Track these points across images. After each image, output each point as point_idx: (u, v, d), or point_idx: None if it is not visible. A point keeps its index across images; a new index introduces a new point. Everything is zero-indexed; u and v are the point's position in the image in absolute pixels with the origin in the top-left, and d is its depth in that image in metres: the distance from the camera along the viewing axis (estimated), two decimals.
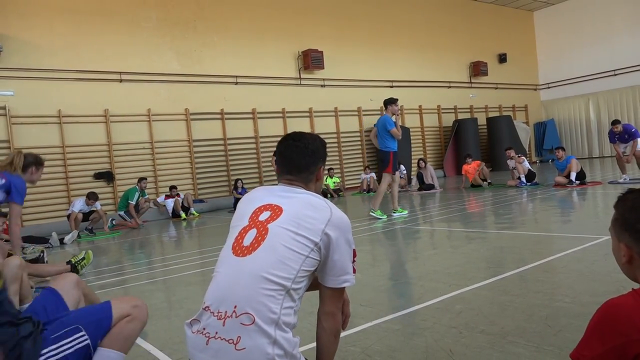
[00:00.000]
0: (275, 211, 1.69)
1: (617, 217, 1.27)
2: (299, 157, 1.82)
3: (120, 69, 11.84)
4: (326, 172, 13.84)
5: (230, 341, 1.50)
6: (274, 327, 1.50)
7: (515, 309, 2.97)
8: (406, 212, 8.18)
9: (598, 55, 20.14)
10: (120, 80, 11.88)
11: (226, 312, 1.54)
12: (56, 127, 10.97)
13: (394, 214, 8.07)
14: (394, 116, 8.09)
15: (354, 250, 1.73)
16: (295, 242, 1.60)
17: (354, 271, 1.72)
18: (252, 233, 1.67)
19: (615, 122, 10.21)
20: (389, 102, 8.14)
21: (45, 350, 1.93)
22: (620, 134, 10.08)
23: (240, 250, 1.65)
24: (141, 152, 12.12)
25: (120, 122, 11.79)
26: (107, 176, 11.49)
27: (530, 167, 11.30)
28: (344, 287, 1.71)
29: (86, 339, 1.99)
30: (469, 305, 3.11)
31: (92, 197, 9.40)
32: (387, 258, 5.15)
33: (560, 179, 10.18)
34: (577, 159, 10.55)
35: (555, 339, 2.44)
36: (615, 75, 19.89)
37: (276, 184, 1.90)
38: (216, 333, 1.53)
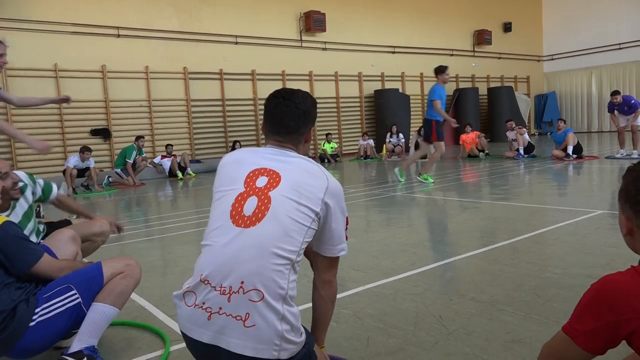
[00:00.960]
0: (273, 177, 1.59)
1: (622, 188, 1.25)
2: (289, 118, 1.69)
3: (118, 24, 11.59)
4: (324, 137, 13.80)
5: (238, 317, 1.44)
6: (281, 302, 1.47)
7: (505, 278, 3.02)
8: (432, 181, 8.03)
9: (604, 28, 19.81)
10: (118, 36, 11.65)
11: (231, 287, 1.46)
12: (52, 81, 10.81)
13: (419, 177, 8.10)
14: (445, 85, 7.97)
15: (347, 218, 1.70)
16: (299, 213, 1.54)
17: (346, 238, 1.71)
18: (253, 201, 1.55)
19: (615, 93, 10.12)
20: (438, 70, 7.99)
21: (37, 310, 1.97)
22: (620, 105, 10.01)
23: (241, 219, 1.54)
24: (138, 110, 12.01)
25: (118, 78, 11.62)
26: (103, 133, 11.42)
27: (529, 140, 11.28)
28: (339, 256, 1.71)
29: (77, 298, 2.04)
30: (461, 273, 3.17)
31: (85, 150, 9.35)
32: (381, 224, 5.20)
33: (558, 153, 10.20)
34: (575, 132, 10.54)
35: (542, 308, 2.50)
36: (621, 49, 19.63)
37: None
38: (220, 308, 1.46)
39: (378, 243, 4.17)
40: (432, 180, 8.00)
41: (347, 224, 1.70)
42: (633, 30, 19.07)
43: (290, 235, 1.51)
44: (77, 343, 2.06)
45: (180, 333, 1.61)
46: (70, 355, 2.05)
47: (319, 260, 1.72)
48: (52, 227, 2.94)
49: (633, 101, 10.02)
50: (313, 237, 1.62)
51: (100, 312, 2.08)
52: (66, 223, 3.05)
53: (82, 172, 9.50)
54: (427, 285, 2.97)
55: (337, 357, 2.07)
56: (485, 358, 2.01)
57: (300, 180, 1.59)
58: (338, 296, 2.82)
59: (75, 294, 2.05)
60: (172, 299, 1.63)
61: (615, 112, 10.14)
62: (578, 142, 10.22)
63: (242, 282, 1.45)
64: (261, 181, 1.59)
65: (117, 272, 2.17)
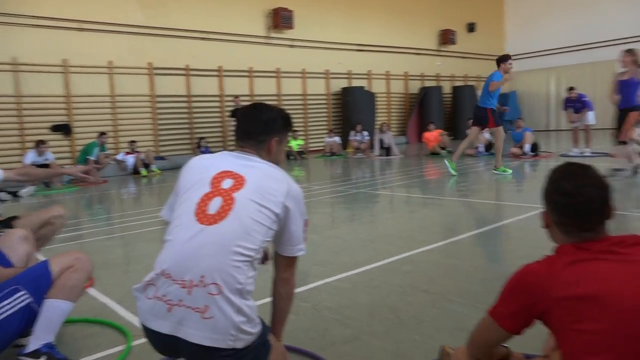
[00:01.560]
0: (238, 180, 1.69)
1: (545, 185, 1.45)
2: (249, 125, 1.85)
3: (80, 17, 11.33)
4: (291, 134, 13.83)
5: (197, 309, 1.52)
6: (238, 296, 1.55)
7: (458, 271, 3.18)
8: (510, 171, 8.06)
9: (562, 30, 20.55)
10: (80, 29, 11.38)
11: (192, 280, 1.54)
12: (10, 75, 10.50)
13: (495, 172, 8.04)
14: (506, 75, 7.93)
15: (306, 220, 1.80)
16: (260, 214, 1.64)
17: (305, 240, 1.81)
18: (218, 201, 1.65)
19: (571, 88, 10.65)
20: (501, 60, 8.02)
21: None
22: (574, 102, 10.52)
23: (205, 217, 1.62)
24: (101, 106, 11.78)
25: (80, 73, 11.36)
26: (64, 129, 11.14)
27: (489, 138, 11.63)
28: (297, 255, 1.80)
29: (27, 297, 2.07)
30: (416, 267, 3.31)
31: (40, 143, 9.16)
32: (344, 221, 5.32)
33: (515, 150, 10.59)
34: (534, 131, 10.97)
35: (488, 298, 2.62)
36: (578, 50, 20.39)
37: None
38: (180, 301, 1.54)
39: (339, 239, 4.28)
40: (510, 171, 8.03)
41: (305, 226, 1.80)
42: (589, 33, 19.84)
43: (250, 234, 1.61)
44: (35, 341, 2.09)
45: (140, 326, 1.67)
46: (28, 355, 2.07)
47: (279, 259, 1.81)
48: (1, 224, 2.91)
49: (585, 99, 10.55)
50: (273, 238, 1.72)
51: (53, 308, 2.11)
52: (15, 219, 3.03)
53: (41, 167, 9.28)
54: (383, 278, 3.09)
55: (294, 347, 2.17)
56: (432, 344, 2.14)
57: (263, 184, 1.69)
58: (298, 290, 2.91)
59: (25, 294, 2.07)
60: (134, 298, 1.68)
61: (569, 109, 10.62)
62: (535, 140, 10.63)
63: (202, 277, 1.53)
64: (227, 183, 1.69)
65: (67, 266, 2.19)
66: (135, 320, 2.63)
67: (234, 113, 12.43)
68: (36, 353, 2.08)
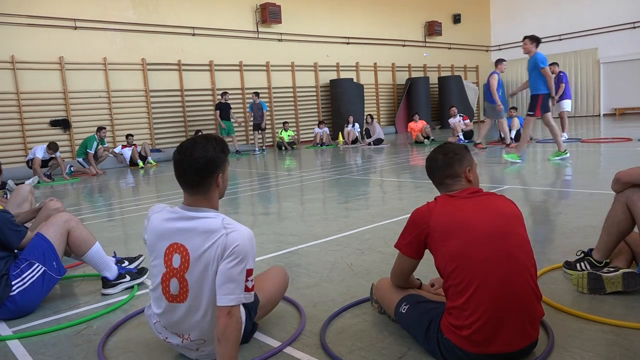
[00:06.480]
0: (184, 255, 1.79)
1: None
2: (191, 174, 1.81)
3: (75, 16, 11.78)
4: (281, 125, 14.38)
5: (192, 350, 1.96)
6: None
7: None
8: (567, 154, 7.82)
9: (546, 20, 21.11)
10: (75, 28, 11.84)
11: (183, 335, 1.91)
12: (9, 73, 10.96)
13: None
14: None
15: (249, 270, 1.75)
16: (207, 278, 1.78)
17: (249, 289, 1.75)
18: (175, 283, 1.82)
19: (553, 64, 10.83)
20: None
21: (14, 282, 2.65)
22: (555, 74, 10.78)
23: (171, 297, 1.85)
24: (98, 101, 12.26)
25: (76, 70, 11.84)
26: (63, 124, 11.65)
27: (463, 127, 12.21)
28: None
29: (41, 268, 2.75)
30: (377, 235, 3.88)
31: (52, 147, 9.62)
32: (322, 200, 5.87)
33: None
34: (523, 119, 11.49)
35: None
36: (561, 40, 20.94)
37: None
38: (177, 345, 1.98)
39: (316, 215, 4.84)
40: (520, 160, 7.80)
41: (248, 276, 1.75)
42: (571, 22, 20.41)
43: (211, 301, 1.81)
44: (109, 273, 2.93)
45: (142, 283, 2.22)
46: (116, 279, 2.92)
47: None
48: None
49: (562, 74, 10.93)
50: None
51: (93, 255, 2.91)
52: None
53: (44, 162, 9.79)
54: (347, 244, 3.66)
55: None
56: None
57: (202, 249, 1.77)
58: (275, 254, 3.50)
59: (39, 265, 2.71)
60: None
61: None
62: (518, 129, 11.17)
63: (189, 335, 1.91)
64: (176, 261, 1.82)
65: (65, 230, 2.84)
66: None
67: (217, 106, 12.97)
68: (121, 276, 2.97)
